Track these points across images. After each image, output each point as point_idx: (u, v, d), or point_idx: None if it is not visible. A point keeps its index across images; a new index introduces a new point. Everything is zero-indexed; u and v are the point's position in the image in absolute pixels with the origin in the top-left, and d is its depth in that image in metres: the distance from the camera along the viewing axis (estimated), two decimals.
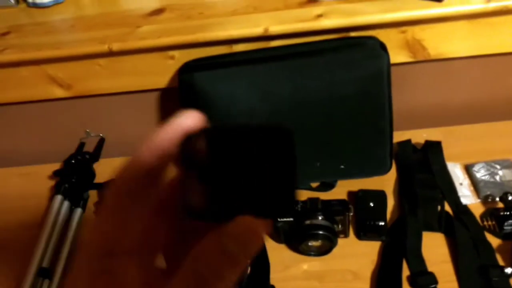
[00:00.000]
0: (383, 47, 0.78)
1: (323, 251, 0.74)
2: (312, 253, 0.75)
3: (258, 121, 0.78)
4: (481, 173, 0.83)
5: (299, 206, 0.74)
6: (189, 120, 0.25)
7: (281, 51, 0.79)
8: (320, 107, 0.78)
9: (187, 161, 0.25)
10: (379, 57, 0.76)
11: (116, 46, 0.79)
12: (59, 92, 0.87)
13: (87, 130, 0.96)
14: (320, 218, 0.73)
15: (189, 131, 0.25)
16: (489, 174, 0.83)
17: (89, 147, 0.97)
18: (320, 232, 0.72)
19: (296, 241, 0.74)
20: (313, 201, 0.75)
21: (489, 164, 0.85)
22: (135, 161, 0.25)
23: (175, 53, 0.82)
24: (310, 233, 0.72)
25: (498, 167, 0.84)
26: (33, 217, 0.87)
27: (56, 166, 0.95)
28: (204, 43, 0.80)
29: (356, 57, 0.76)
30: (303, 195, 0.82)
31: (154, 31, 0.80)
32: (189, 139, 0.25)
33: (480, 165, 0.85)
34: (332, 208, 0.74)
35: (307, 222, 0.73)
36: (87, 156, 0.93)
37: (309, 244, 0.74)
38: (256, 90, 0.77)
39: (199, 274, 0.22)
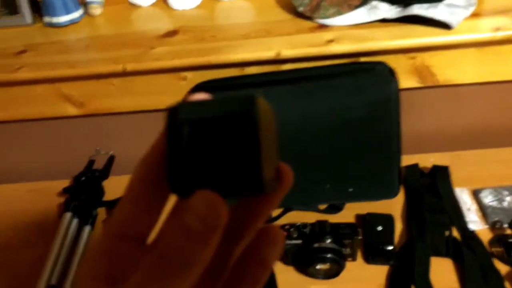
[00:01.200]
0: (392, 72, 0.79)
1: (331, 274, 0.74)
2: (320, 276, 0.75)
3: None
4: (488, 199, 0.84)
5: (307, 228, 0.75)
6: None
7: (291, 75, 0.80)
8: (329, 130, 0.79)
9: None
10: (388, 83, 0.77)
11: (130, 67, 0.80)
12: (72, 110, 0.89)
13: (97, 148, 0.97)
14: (328, 241, 0.73)
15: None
16: (496, 200, 0.83)
17: (99, 165, 0.98)
18: (329, 256, 0.72)
19: (304, 263, 0.74)
20: (322, 224, 0.75)
21: (497, 190, 0.85)
22: (156, 147, 0.25)
23: (188, 74, 0.84)
24: (318, 256, 0.73)
25: (505, 193, 0.84)
26: (41, 234, 0.87)
27: (65, 182, 0.96)
28: (216, 65, 0.82)
29: (366, 82, 0.77)
30: (311, 217, 0.82)
31: (168, 52, 0.81)
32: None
33: (488, 191, 0.85)
34: (341, 232, 0.74)
35: (316, 245, 0.73)
36: (97, 174, 0.94)
37: (317, 267, 0.74)
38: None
39: (162, 255, 0.21)
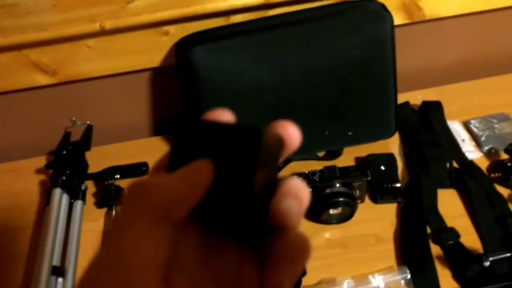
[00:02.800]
0: (385, 8, 0.77)
1: (344, 217, 0.74)
2: (334, 221, 0.74)
3: (265, 93, 0.76)
4: (480, 128, 0.86)
5: (317, 176, 0.73)
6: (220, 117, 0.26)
7: (283, 19, 0.77)
8: (328, 74, 0.76)
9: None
10: (384, 19, 0.75)
11: (108, 24, 0.74)
12: (43, 79, 0.81)
13: (73, 119, 0.90)
14: (338, 185, 0.72)
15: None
16: (487, 129, 0.85)
17: (75, 137, 0.91)
18: (341, 199, 0.72)
19: (318, 211, 0.73)
20: (330, 169, 0.74)
21: (486, 119, 0.87)
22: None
23: (170, 28, 0.78)
24: (331, 202, 0.72)
25: (495, 121, 0.86)
26: (28, 215, 0.81)
27: (42, 159, 0.89)
28: (200, 15, 0.76)
29: (360, 20, 0.75)
30: (310, 165, 0.81)
31: (148, 5, 0.75)
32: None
33: (478, 120, 0.87)
34: (350, 174, 0.73)
35: (327, 190, 0.72)
36: (77, 146, 0.87)
37: (330, 212, 0.73)
38: (263, 60, 0.74)
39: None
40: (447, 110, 0.89)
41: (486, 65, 0.95)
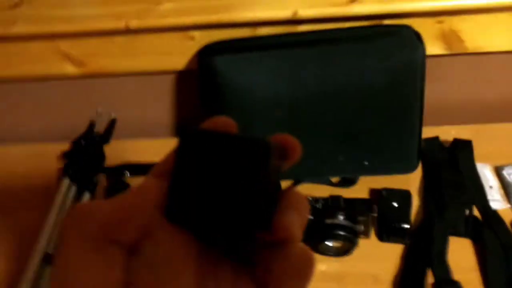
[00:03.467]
0: (418, 37, 0.72)
1: (343, 251, 0.71)
2: (331, 253, 0.71)
3: (281, 109, 0.74)
4: None
5: (320, 204, 0.70)
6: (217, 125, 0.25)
7: (309, 37, 0.74)
8: (348, 97, 0.73)
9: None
10: (414, 48, 0.71)
11: (133, 23, 0.74)
12: (71, 69, 0.83)
13: (99, 110, 0.92)
14: (341, 217, 0.69)
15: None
16: None
17: (100, 128, 0.93)
18: (341, 233, 0.68)
19: (315, 240, 0.70)
20: (334, 198, 0.71)
21: None
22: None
23: (196, 33, 0.77)
24: (330, 233, 0.68)
25: None
26: (39, 198, 0.83)
27: (65, 145, 0.91)
28: (227, 24, 0.75)
29: (390, 46, 0.71)
30: (323, 190, 0.78)
31: (175, 9, 0.75)
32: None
33: (511, 167, 0.80)
34: (355, 208, 0.70)
35: (328, 221, 0.69)
36: (97, 137, 0.89)
37: (328, 244, 0.70)
38: (282, 76, 0.72)
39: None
40: (480, 152, 0.82)
41: None
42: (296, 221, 0.24)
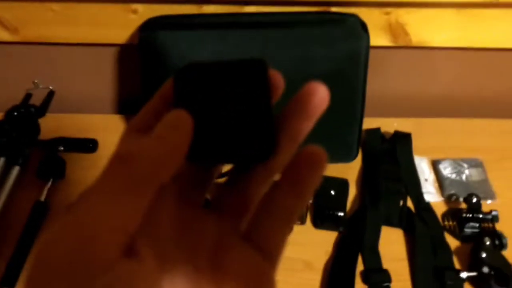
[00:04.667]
0: (364, 27, 0.72)
1: None
2: None
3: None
4: (447, 171, 0.80)
5: None
6: None
7: (254, 18, 0.73)
8: (290, 83, 0.72)
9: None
10: (359, 38, 0.71)
11: None
12: (4, 35, 0.79)
13: (35, 81, 0.87)
14: None
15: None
16: (455, 173, 0.80)
17: (37, 100, 0.88)
18: None
19: None
20: None
21: (457, 162, 0.82)
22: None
23: (139, 6, 0.75)
24: None
25: (465, 165, 0.81)
26: None
27: None
28: None
29: (334, 34, 0.71)
30: None
31: None
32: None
33: (448, 162, 0.82)
34: None
35: None
36: (33, 110, 0.84)
37: None
38: (224, 56, 0.70)
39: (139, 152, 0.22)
40: (420, 145, 0.83)
41: (469, 104, 0.90)
42: (310, 179, 0.25)
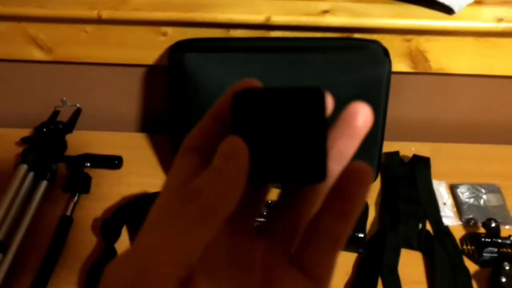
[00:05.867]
0: (385, 53, 0.74)
1: None
2: None
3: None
4: (465, 195, 0.82)
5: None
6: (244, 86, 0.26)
7: (280, 43, 0.75)
8: None
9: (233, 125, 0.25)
10: (381, 64, 0.73)
11: (106, 14, 0.73)
12: (38, 55, 0.82)
13: (64, 99, 0.90)
14: None
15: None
16: (473, 197, 0.81)
17: (64, 117, 0.91)
18: None
19: None
20: None
21: (475, 187, 0.83)
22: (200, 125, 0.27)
23: (169, 29, 0.77)
24: None
25: (483, 190, 0.82)
26: None
27: (26, 132, 0.89)
28: (201, 23, 0.76)
29: (358, 60, 0.73)
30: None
31: (149, 3, 0.75)
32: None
33: (466, 186, 0.83)
34: None
35: None
36: (60, 126, 0.87)
37: None
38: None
39: (197, 188, 0.23)
40: (437, 169, 0.85)
41: (487, 131, 0.91)
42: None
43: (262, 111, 0.25)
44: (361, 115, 0.26)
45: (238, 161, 0.23)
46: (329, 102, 0.26)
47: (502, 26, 0.73)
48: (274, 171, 0.24)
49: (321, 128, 0.24)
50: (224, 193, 0.22)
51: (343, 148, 0.26)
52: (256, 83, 0.26)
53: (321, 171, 0.24)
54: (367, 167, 0.24)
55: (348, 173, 0.24)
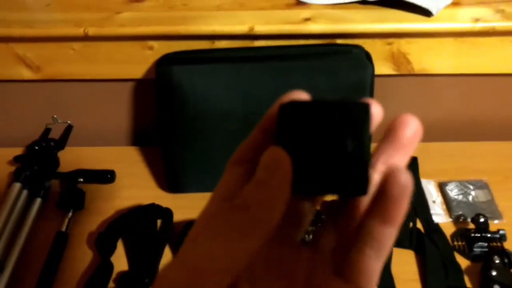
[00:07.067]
0: (368, 57, 0.76)
1: None
2: None
3: (235, 121, 0.76)
4: (454, 192, 0.83)
5: None
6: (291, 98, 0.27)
7: (264, 52, 0.77)
8: None
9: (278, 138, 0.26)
10: (364, 68, 0.74)
11: (92, 31, 0.75)
12: (27, 74, 0.83)
13: (54, 116, 0.91)
14: None
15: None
16: (462, 194, 0.83)
17: (55, 134, 0.92)
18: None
19: None
20: None
21: (463, 184, 0.84)
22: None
23: (154, 43, 0.79)
24: None
25: (471, 187, 0.84)
26: None
27: (18, 151, 0.90)
28: (186, 36, 0.77)
29: (341, 65, 0.75)
30: None
31: (134, 18, 0.76)
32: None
33: (454, 184, 0.84)
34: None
35: None
36: (52, 143, 0.88)
37: None
38: (236, 90, 0.74)
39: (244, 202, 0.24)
40: (425, 169, 0.86)
41: (471, 128, 0.93)
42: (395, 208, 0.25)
43: (306, 122, 0.25)
44: (409, 127, 0.26)
45: (281, 171, 0.23)
46: (377, 116, 0.26)
47: (479, 26, 0.74)
48: (316, 183, 0.25)
49: (365, 142, 0.25)
50: (270, 205, 0.23)
51: (389, 161, 0.26)
52: (303, 95, 0.27)
53: (363, 185, 0.24)
54: (406, 172, 0.25)
55: (389, 180, 0.24)
